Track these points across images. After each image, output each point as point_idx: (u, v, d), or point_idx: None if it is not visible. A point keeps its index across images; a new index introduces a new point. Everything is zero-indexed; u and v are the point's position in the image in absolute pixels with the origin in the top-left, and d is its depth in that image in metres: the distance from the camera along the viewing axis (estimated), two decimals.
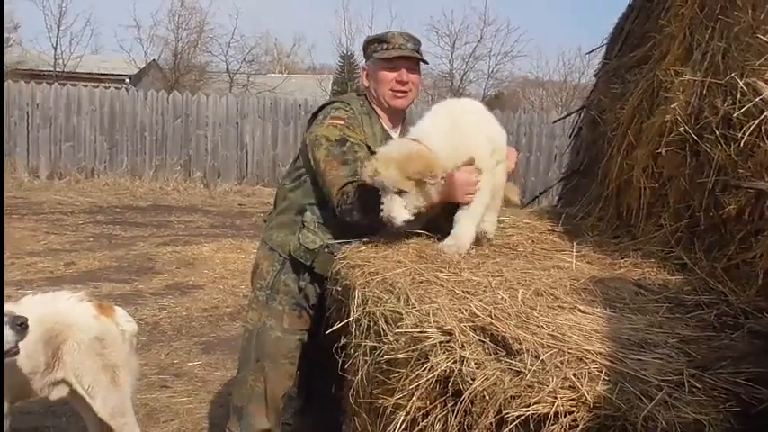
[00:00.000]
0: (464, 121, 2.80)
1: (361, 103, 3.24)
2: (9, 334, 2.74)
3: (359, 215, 2.86)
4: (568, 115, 4.48)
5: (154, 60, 31.43)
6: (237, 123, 15.50)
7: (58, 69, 27.64)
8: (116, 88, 16.83)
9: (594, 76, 3.95)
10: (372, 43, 3.18)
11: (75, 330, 3.26)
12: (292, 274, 3.21)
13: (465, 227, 2.67)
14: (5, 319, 2.75)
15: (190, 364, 5.40)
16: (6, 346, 2.75)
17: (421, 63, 3.24)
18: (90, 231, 10.22)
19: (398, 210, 2.60)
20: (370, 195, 2.72)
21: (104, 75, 27.17)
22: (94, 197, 13.45)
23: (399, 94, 3.14)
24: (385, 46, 3.11)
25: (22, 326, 2.78)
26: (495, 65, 34.15)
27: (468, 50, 33.78)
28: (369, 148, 3.02)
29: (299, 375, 3.52)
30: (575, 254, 2.56)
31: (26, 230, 9.94)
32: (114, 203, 12.96)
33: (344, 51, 34.25)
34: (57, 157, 15.06)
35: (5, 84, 15.67)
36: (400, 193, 2.59)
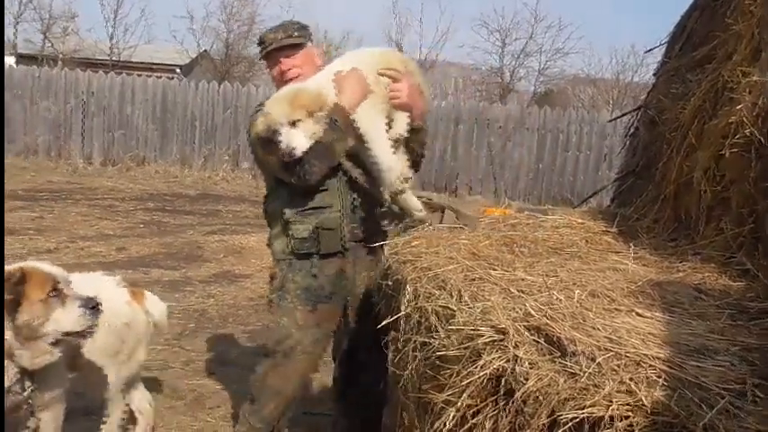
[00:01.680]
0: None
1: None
2: (85, 316, 2.81)
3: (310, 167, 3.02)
4: (624, 115, 4.40)
5: (205, 51, 31.86)
6: None
7: (113, 59, 28.20)
8: (168, 78, 17.10)
9: (654, 75, 3.87)
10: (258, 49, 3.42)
11: (110, 314, 3.33)
12: (300, 270, 3.25)
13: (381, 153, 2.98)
14: (79, 301, 2.81)
15: (236, 351, 5.47)
16: (81, 328, 2.83)
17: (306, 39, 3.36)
18: (140, 218, 10.42)
19: (297, 138, 2.86)
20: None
21: (157, 64, 27.66)
22: (145, 184, 13.71)
23: (292, 81, 3.21)
24: (261, 48, 3.34)
25: (95, 308, 2.84)
26: (546, 61, 33.73)
27: (519, 46, 33.43)
28: None
29: (337, 368, 3.58)
30: (631, 256, 2.51)
31: (80, 215, 10.18)
32: (164, 191, 13.19)
33: (393, 45, 34.24)
34: (110, 144, 15.39)
35: (61, 71, 16.06)
36: (294, 124, 2.85)
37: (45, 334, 2.77)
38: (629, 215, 3.17)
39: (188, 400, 4.53)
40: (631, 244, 2.70)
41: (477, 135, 15.51)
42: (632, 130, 3.92)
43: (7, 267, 2.82)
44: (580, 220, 3.14)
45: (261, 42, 3.33)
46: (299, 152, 2.88)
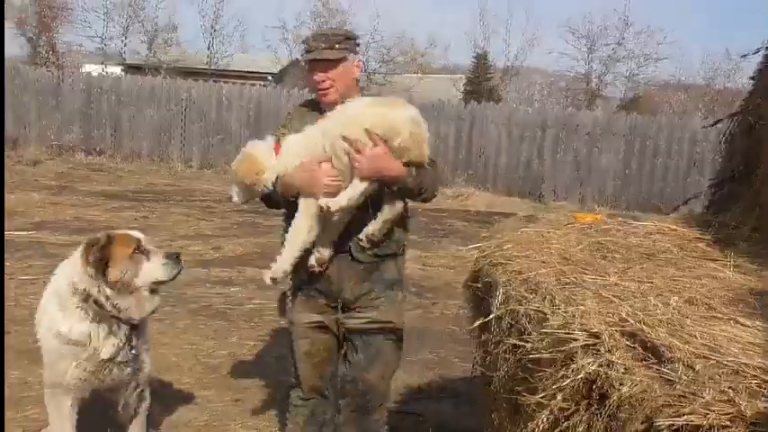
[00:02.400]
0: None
1: (305, 107, 3.39)
2: (169, 265, 3.09)
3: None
4: (720, 121, 4.23)
5: (296, 59, 32.50)
6: None
7: (211, 68, 29.15)
8: (261, 85, 17.55)
9: (751, 79, 3.71)
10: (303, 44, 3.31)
11: None
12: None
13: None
14: (162, 253, 3.12)
15: None
16: (169, 276, 3.10)
17: (349, 51, 3.21)
18: (235, 219, 10.71)
19: (234, 192, 3.22)
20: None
21: (251, 72, 28.40)
22: None
23: (322, 92, 3.15)
24: (305, 49, 3.22)
25: (177, 258, 3.13)
26: (638, 67, 32.81)
27: (607, 52, 32.64)
28: None
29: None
30: (730, 263, 2.42)
31: (180, 215, 10.57)
32: None
33: (480, 52, 34.00)
34: (207, 148, 15.91)
35: (164, 80, 16.73)
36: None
37: (139, 285, 3.03)
38: (727, 222, 3.06)
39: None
40: (729, 252, 2.60)
41: (563, 141, 15.23)
42: (728, 135, 3.78)
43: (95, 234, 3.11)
44: (673, 227, 3.05)
45: (305, 45, 3.25)
46: (235, 201, 3.27)
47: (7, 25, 32.62)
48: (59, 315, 3.03)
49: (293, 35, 31.67)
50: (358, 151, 2.83)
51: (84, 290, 2.98)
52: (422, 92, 23.10)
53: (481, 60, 33.70)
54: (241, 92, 16.08)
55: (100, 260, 2.96)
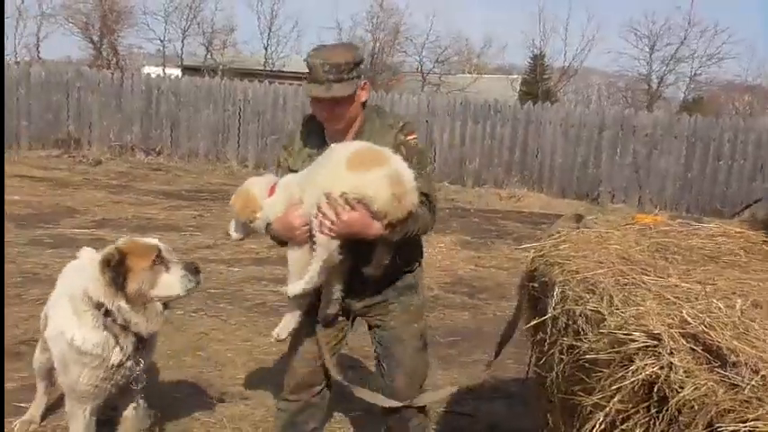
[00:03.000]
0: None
1: (308, 125, 3.12)
2: (187, 278, 2.98)
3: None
4: None
5: None
6: (427, 121, 15.72)
7: (267, 69, 29.57)
8: None
9: None
10: (306, 66, 2.91)
11: None
12: None
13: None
14: (181, 265, 3.00)
15: None
16: (186, 290, 2.99)
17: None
18: None
19: (231, 228, 3.15)
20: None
21: (307, 73, 28.67)
22: None
23: (328, 123, 2.97)
24: (311, 76, 2.86)
25: (196, 271, 3.03)
26: (700, 67, 32.01)
27: (669, 52, 31.93)
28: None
29: None
30: None
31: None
32: None
33: (537, 52, 33.69)
34: (263, 148, 16.11)
35: (221, 80, 17.00)
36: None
37: (155, 297, 2.95)
38: None
39: None
40: None
41: (621, 142, 14.95)
42: None
43: (105, 249, 3.00)
44: (738, 230, 2.96)
45: (308, 67, 2.88)
46: (233, 238, 3.23)
47: (73, 29, 33.80)
48: (73, 321, 2.98)
49: (348, 36, 31.91)
50: (337, 212, 2.68)
51: (98, 301, 2.92)
52: (477, 92, 22.99)
53: (538, 60, 33.40)
54: (296, 92, 16.24)
55: (117, 276, 2.87)
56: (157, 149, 16.11)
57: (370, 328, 3.21)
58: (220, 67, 27.97)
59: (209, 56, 30.84)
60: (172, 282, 2.96)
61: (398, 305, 3.11)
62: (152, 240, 3.08)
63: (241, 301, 6.42)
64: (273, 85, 16.82)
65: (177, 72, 26.75)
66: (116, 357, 3.00)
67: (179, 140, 16.22)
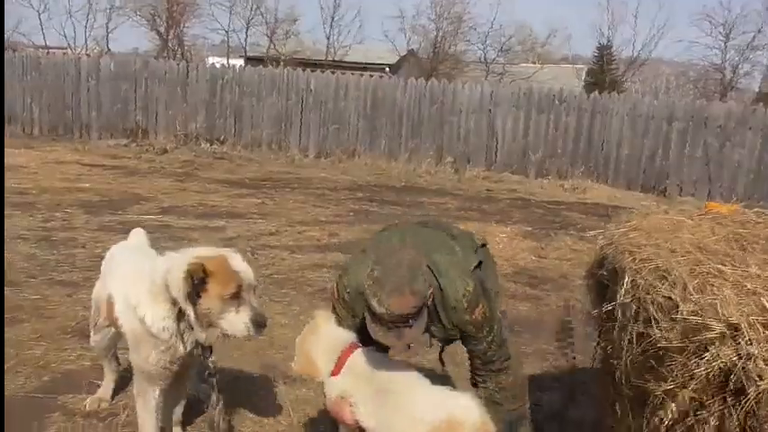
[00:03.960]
0: None
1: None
2: (249, 328, 2.94)
3: None
4: None
5: (412, 50, 32.67)
6: (490, 111, 15.60)
7: (329, 58, 29.76)
8: (380, 76, 17.71)
9: None
10: (366, 302, 2.73)
11: None
12: None
13: None
14: (251, 313, 2.94)
15: None
16: (241, 336, 2.98)
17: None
18: (350, 206, 10.89)
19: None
20: None
21: (368, 63, 28.80)
22: (354, 176, 14.32)
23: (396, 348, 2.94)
24: (377, 320, 2.72)
25: (260, 325, 2.97)
26: None
27: (745, 40, 30.83)
28: None
29: None
30: None
31: (297, 202, 10.87)
32: (372, 182, 13.70)
33: (604, 41, 33.01)
34: (324, 137, 16.25)
35: (284, 70, 17.18)
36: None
37: (215, 325, 2.96)
38: None
39: None
40: None
41: (692, 134, 14.53)
42: None
43: (202, 254, 2.98)
44: None
45: (372, 311, 2.72)
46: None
47: (140, 21, 34.73)
48: (148, 303, 3.04)
49: (411, 25, 31.89)
50: None
51: (175, 298, 2.95)
52: (541, 81, 22.67)
53: (605, 50, 32.72)
54: (358, 82, 16.31)
55: (194, 291, 2.88)
56: (221, 138, 16.42)
57: None
58: (283, 57, 28.27)
59: (272, 46, 31.21)
60: (236, 324, 2.94)
61: None
62: (240, 267, 2.99)
63: (303, 287, 6.50)
64: (336, 74, 16.91)
65: (240, 62, 27.15)
66: (181, 348, 3.08)
67: (242, 130, 16.49)
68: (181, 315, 2.99)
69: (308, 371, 2.96)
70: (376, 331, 2.70)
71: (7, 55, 17.34)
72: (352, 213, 10.37)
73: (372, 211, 10.64)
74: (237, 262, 2.99)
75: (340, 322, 3.03)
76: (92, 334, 3.85)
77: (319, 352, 2.96)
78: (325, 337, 3.00)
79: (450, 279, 2.76)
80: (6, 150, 13.75)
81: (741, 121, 14.37)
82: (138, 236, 3.94)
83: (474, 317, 2.80)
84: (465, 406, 2.61)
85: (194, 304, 2.91)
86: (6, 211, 8.61)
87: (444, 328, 2.85)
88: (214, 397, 3.31)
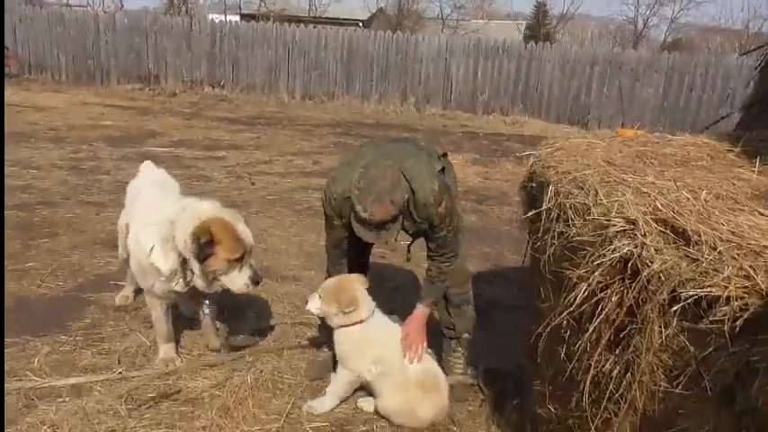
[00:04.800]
0: None
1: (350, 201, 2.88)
2: (248, 285, 2.91)
3: None
4: (754, 50, 3.90)
5: (381, 7, 31.69)
6: (446, 59, 15.32)
7: (311, 15, 28.83)
8: (354, 30, 17.20)
9: None
10: (352, 208, 2.69)
11: None
12: None
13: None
14: (251, 272, 2.90)
15: None
16: (240, 292, 2.95)
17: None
18: (331, 140, 10.76)
19: (312, 303, 2.97)
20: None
21: (344, 19, 27.96)
22: (334, 114, 14.10)
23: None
24: (361, 222, 2.68)
25: (257, 282, 2.95)
26: (680, 11, 30.53)
27: None
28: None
29: None
30: (756, 169, 2.28)
31: (286, 137, 10.71)
32: (348, 120, 13.51)
33: (538, 0, 32.28)
34: (308, 82, 15.88)
35: (273, 25, 16.59)
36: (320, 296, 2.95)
37: (217, 281, 2.91)
38: (754, 137, 2.86)
39: None
40: (755, 160, 2.44)
41: (609, 77, 14.46)
42: (762, 63, 3.49)
43: (209, 215, 2.83)
44: (706, 140, 2.88)
45: (355, 214, 2.69)
46: (312, 311, 3.04)
47: None
48: (157, 241, 2.92)
49: None
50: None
51: (180, 251, 2.86)
52: (488, 34, 22.19)
53: (541, 8, 32.06)
54: (336, 34, 15.83)
55: (200, 252, 2.79)
56: (221, 83, 15.98)
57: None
58: (272, 13, 27.32)
59: (262, 4, 30.12)
60: (237, 280, 2.90)
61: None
62: (245, 233, 2.89)
63: (293, 205, 6.48)
64: (317, 28, 16.37)
65: (237, 18, 26.16)
66: (180, 287, 3.01)
67: (239, 76, 16.03)
68: (185, 262, 2.90)
69: (354, 304, 2.90)
70: (359, 231, 2.69)
71: (34, 11, 16.46)
72: (332, 145, 10.25)
73: (349, 144, 10.52)
74: (242, 227, 2.91)
75: (330, 221, 3.00)
76: (119, 249, 3.76)
77: (364, 298, 2.96)
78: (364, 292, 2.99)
79: (420, 182, 2.74)
80: (39, 94, 13.27)
81: (649, 65, 14.32)
82: (149, 168, 3.70)
83: (439, 210, 2.81)
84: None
85: (201, 262, 2.82)
86: (42, 145, 8.39)
87: (415, 223, 2.85)
88: (207, 309, 3.29)
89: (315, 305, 2.96)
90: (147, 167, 3.74)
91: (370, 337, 2.91)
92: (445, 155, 3.09)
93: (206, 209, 2.92)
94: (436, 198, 2.79)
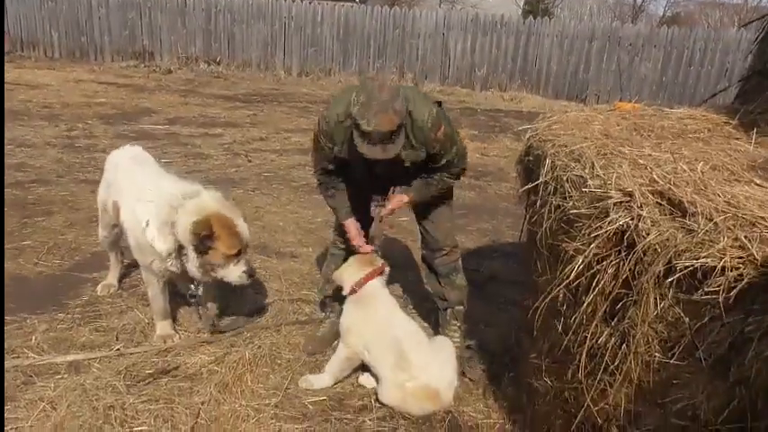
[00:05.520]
0: None
1: (345, 126, 2.82)
2: (243, 278, 2.99)
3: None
4: (756, 20, 3.85)
5: None
6: (443, 34, 15.14)
7: None
8: (350, 5, 16.98)
9: None
10: (354, 123, 2.65)
11: None
12: None
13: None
14: (246, 267, 2.98)
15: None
16: (235, 284, 3.03)
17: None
18: None
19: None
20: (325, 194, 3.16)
21: (356, 126, 27.53)
22: (331, 90, 13.92)
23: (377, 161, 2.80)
24: (364, 138, 2.63)
25: (251, 276, 3.03)
26: None
27: None
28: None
29: None
30: (753, 140, 2.27)
31: (283, 114, 10.62)
32: None
33: None
34: (304, 58, 15.71)
35: (269, 1, 16.38)
36: None
37: (214, 273, 2.96)
38: (753, 110, 2.84)
39: None
40: (753, 132, 2.43)
41: (608, 52, 14.34)
42: (761, 35, 3.45)
43: (210, 208, 2.86)
44: (703, 113, 2.86)
45: (359, 129, 2.65)
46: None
47: None
48: (154, 222, 2.96)
49: None
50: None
51: (179, 239, 2.90)
52: (486, 9, 21.94)
53: None
54: (332, 10, 15.62)
55: (199, 246, 2.85)
56: (217, 60, 15.78)
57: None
58: None
59: None
60: (233, 273, 2.97)
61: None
62: (242, 229, 2.95)
63: (289, 182, 6.46)
64: (313, 3, 16.14)
65: None
66: (176, 268, 3.04)
67: (235, 52, 15.84)
68: (182, 248, 2.94)
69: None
70: (363, 148, 2.64)
71: None
72: None
73: None
74: (241, 223, 2.97)
75: (321, 150, 2.99)
76: (100, 230, 3.73)
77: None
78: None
79: (417, 106, 2.75)
80: (32, 72, 13.12)
81: (648, 39, 14.18)
82: (136, 150, 3.64)
83: (437, 135, 2.81)
84: None
85: (200, 255, 2.89)
86: (36, 123, 8.31)
87: (414, 149, 2.83)
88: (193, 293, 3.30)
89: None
90: (135, 149, 3.67)
91: (371, 316, 2.92)
92: (440, 104, 3.07)
93: (208, 203, 2.95)
94: (434, 122, 2.80)
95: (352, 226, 3.14)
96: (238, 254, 2.95)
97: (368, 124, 2.56)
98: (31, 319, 3.39)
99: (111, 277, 3.87)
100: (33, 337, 3.21)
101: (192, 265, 2.95)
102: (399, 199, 3.05)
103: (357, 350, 2.92)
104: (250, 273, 3.02)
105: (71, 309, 3.56)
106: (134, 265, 3.87)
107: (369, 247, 3.12)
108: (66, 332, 3.31)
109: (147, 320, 3.44)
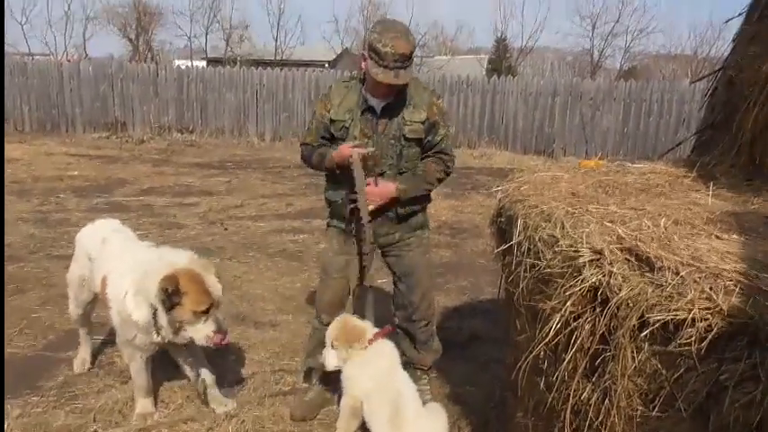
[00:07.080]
0: None
1: (346, 83, 3.11)
2: (211, 339, 2.88)
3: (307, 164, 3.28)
4: (705, 76, 4.08)
5: (346, 48, 32.22)
6: None
7: (277, 58, 29.14)
8: (320, 71, 17.44)
9: (732, 40, 3.56)
10: (372, 49, 2.82)
11: None
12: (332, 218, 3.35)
13: None
14: (215, 326, 2.87)
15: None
16: (204, 345, 2.93)
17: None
18: (303, 181, 10.78)
19: (330, 360, 2.92)
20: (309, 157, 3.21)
21: (310, 60, 28.35)
22: None
23: (385, 97, 2.97)
24: (380, 62, 2.78)
25: (223, 336, 2.93)
26: (632, 40, 31.79)
27: (608, 29, 31.63)
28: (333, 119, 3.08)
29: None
30: (710, 193, 2.39)
31: (257, 179, 10.71)
32: None
33: (500, 35, 33.23)
34: (277, 124, 15.98)
35: (240, 69, 16.73)
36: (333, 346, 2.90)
37: (183, 331, 2.89)
38: (708, 162, 2.98)
39: None
40: (710, 184, 2.55)
41: (570, 106, 14.90)
42: (712, 90, 3.65)
43: (179, 265, 2.81)
44: (663, 167, 3.00)
45: (378, 54, 2.79)
46: (329, 368, 2.99)
47: (113, 30, 33.17)
48: (132, 297, 2.92)
49: (344, 28, 31.45)
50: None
51: (150, 302, 2.85)
52: (452, 70, 22.69)
53: (501, 42, 32.94)
54: (303, 76, 16.03)
55: (167, 301, 2.78)
56: (190, 128, 15.96)
57: (385, 256, 3.30)
58: (238, 57, 27.58)
59: (228, 48, 30.40)
60: (201, 333, 2.87)
61: (415, 239, 3.24)
62: (213, 285, 2.85)
63: (266, 249, 6.47)
64: (284, 71, 16.56)
65: (203, 63, 26.33)
66: (157, 338, 2.98)
67: (208, 120, 16.05)
68: (156, 313, 2.88)
69: (362, 335, 2.93)
70: (377, 74, 2.78)
71: None
72: (304, 186, 10.27)
73: (321, 184, 10.50)
74: (211, 280, 2.87)
75: (315, 120, 3.16)
76: (72, 307, 3.67)
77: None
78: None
79: (418, 79, 3.06)
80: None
81: (608, 93, 14.80)
82: (111, 223, 3.66)
83: (438, 101, 3.05)
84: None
85: (167, 311, 2.80)
86: (6, 198, 8.24)
87: (416, 109, 3.00)
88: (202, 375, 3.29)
89: (333, 360, 2.93)
90: (110, 222, 3.69)
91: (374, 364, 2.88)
92: None
93: (178, 259, 2.91)
94: (434, 91, 3.08)
95: (341, 147, 3.00)
96: (207, 311, 2.84)
97: (385, 46, 2.74)
98: (4, 405, 3.29)
99: (84, 352, 3.79)
100: (6, 424, 3.11)
101: (164, 325, 2.87)
102: (387, 189, 3.02)
103: (360, 396, 2.86)
104: (219, 331, 2.89)
105: (46, 391, 3.47)
106: (110, 341, 3.82)
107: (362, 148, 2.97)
108: (41, 416, 3.22)
109: (124, 399, 3.36)
